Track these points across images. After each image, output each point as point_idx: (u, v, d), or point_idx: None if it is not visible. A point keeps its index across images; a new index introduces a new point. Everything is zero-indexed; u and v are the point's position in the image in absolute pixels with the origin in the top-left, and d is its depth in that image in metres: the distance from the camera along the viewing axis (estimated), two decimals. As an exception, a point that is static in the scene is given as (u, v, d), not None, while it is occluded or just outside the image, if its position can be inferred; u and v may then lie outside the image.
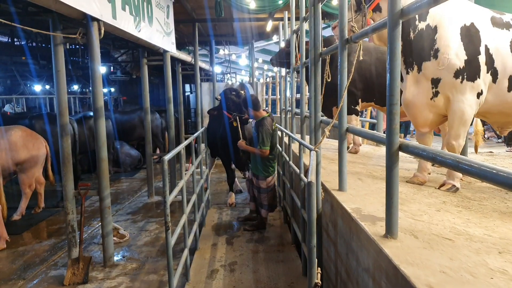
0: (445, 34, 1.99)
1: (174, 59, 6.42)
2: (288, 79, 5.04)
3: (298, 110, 4.23)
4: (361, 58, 1.98)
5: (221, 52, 12.80)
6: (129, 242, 3.89)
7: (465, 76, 1.99)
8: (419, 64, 2.07)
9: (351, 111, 3.36)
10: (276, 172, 3.80)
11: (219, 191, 5.82)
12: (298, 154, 2.94)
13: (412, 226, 1.59)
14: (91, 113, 4.93)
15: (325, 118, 2.89)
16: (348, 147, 3.28)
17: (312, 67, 2.60)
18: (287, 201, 3.81)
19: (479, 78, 2.01)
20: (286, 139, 4.12)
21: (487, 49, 2.01)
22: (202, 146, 4.65)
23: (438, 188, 2.24)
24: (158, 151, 8.12)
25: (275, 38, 9.89)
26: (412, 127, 9.30)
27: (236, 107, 4.36)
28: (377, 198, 1.98)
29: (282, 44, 4.62)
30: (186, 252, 2.74)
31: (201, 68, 9.31)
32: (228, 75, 14.69)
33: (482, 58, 2.00)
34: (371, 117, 6.21)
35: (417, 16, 2.00)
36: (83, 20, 3.00)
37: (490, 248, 1.38)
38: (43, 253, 3.67)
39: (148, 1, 4.36)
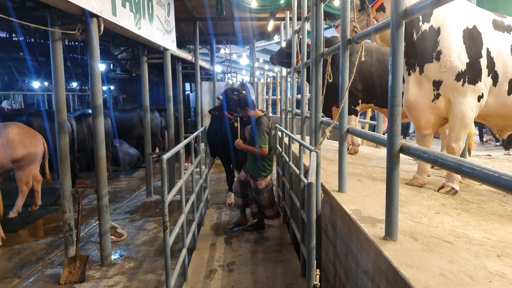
0: (447, 36, 1.99)
1: (174, 58, 6.40)
2: (289, 79, 5.04)
3: (298, 111, 4.22)
4: (363, 59, 1.97)
5: (222, 51, 12.78)
6: (127, 241, 3.87)
7: (467, 79, 1.98)
8: (421, 65, 2.07)
9: (351, 111, 3.36)
10: (272, 171, 3.78)
11: (218, 191, 5.80)
12: (298, 155, 2.93)
13: (411, 228, 1.59)
14: (90, 111, 4.91)
15: (325, 119, 2.89)
16: (348, 148, 3.28)
17: (314, 67, 2.59)
18: (286, 202, 3.80)
19: (480, 81, 2.00)
20: (286, 140, 4.11)
21: (488, 52, 2.01)
22: (202, 145, 4.64)
23: (437, 191, 2.23)
24: (157, 150, 8.10)
25: (276, 38, 9.88)
26: (411, 129, 9.33)
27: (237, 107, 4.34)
28: (376, 200, 1.97)
29: (284, 44, 4.61)
30: (184, 251, 2.73)
31: (201, 67, 9.28)
32: (229, 74, 14.67)
33: (483, 61, 2.00)
34: (371, 118, 6.21)
35: (420, 17, 1.99)
36: (82, 16, 2.98)
37: (489, 251, 1.38)
38: (39, 252, 3.64)
39: (149, -1, 4.35)
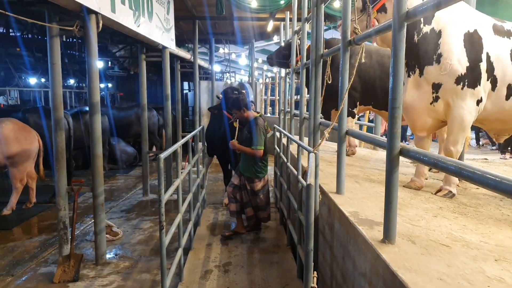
0: (448, 39, 1.99)
1: (173, 56, 6.38)
2: (288, 80, 5.03)
3: (297, 112, 4.21)
4: (363, 60, 1.96)
5: (221, 50, 12.77)
6: (122, 240, 3.84)
7: (466, 83, 1.98)
8: (421, 68, 2.07)
9: (348, 113, 3.35)
10: (268, 172, 3.73)
11: (215, 190, 5.78)
12: (296, 156, 2.93)
13: (409, 231, 1.58)
14: (87, 108, 4.87)
15: (324, 120, 2.88)
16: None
17: (313, 69, 2.58)
18: (283, 203, 3.79)
19: (479, 85, 2.01)
20: (284, 141, 4.10)
21: (488, 57, 2.02)
22: (200, 145, 4.61)
23: (435, 194, 2.24)
24: (154, 149, 8.06)
25: (275, 38, 9.88)
26: (409, 132, 9.37)
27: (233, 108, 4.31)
28: (374, 202, 1.97)
29: (283, 45, 4.60)
30: (180, 251, 2.71)
31: (200, 66, 9.26)
32: (227, 74, 14.66)
33: (483, 66, 2.00)
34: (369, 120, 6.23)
35: (422, 19, 1.99)
36: (81, 13, 2.95)
37: (487, 255, 1.38)
38: (33, 250, 3.60)
39: (148, -4, 4.32)
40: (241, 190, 3.64)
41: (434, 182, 2.59)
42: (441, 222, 1.74)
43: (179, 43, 8.82)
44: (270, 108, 10.96)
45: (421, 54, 2.05)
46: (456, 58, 1.98)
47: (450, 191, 2.19)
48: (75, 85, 12.58)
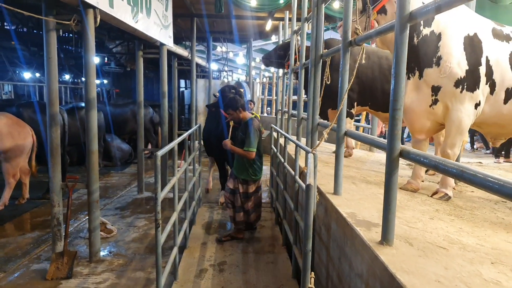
0: (448, 42, 1.99)
1: (170, 53, 6.32)
2: (286, 80, 5.02)
3: (294, 112, 4.21)
4: (363, 61, 1.96)
5: (219, 49, 12.72)
6: (116, 238, 3.80)
7: (465, 86, 1.99)
8: (421, 70, 2.07)
9: (346, 114, 3.34)
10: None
11: (211, 189, 5.76)
12: (293, 156, 2.92)
13: (407, 233, 1.58)
14: (83, 104, 4.80)
15: (322, 120, 2.88)
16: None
17: (312, 69, 2.58)
18: (279, 202, 3.78)
19: (478, 89, 2.02)
20: (281, 141, 4.09)
21: (487, 61, 2.03)
22: (196, 143, 4.58)
23: (431, 196, 2.25)
24: (150, 146, 8.00)
25: (273, 38, 9.87)
26: (405, 134, 9.43)
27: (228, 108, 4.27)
28: (372, 203, 1.97)
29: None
30: (175, 250, 2.69)
31: (197, 64, 9.21)
32: (225, 72, 14.61)
33: (482, 69, 2.02)
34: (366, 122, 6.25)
35: (422, 21, 1.99)
36: (78, 7, 2.91)
37: (483, 258, 1.39)
38: (25, 246, 3.55)
39: (147, -8, 4.27)
40: (235, 194, 3.56)
41: (430, 184, 2.60)
42: (437, 224, 1.74)
43: (177, 40, 8.77)
44: (268, 108, 10.96)
45: (421, 56, 2.05)
46: (456, 61, 1.99)
47: (446, 194, 2.20)
48: (70, 80, 12.44)
